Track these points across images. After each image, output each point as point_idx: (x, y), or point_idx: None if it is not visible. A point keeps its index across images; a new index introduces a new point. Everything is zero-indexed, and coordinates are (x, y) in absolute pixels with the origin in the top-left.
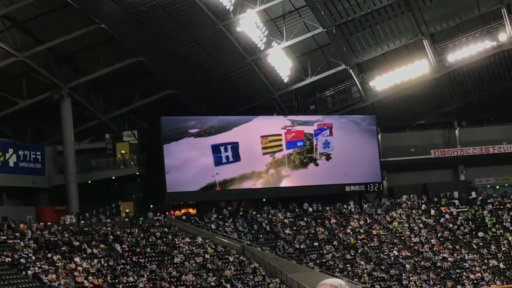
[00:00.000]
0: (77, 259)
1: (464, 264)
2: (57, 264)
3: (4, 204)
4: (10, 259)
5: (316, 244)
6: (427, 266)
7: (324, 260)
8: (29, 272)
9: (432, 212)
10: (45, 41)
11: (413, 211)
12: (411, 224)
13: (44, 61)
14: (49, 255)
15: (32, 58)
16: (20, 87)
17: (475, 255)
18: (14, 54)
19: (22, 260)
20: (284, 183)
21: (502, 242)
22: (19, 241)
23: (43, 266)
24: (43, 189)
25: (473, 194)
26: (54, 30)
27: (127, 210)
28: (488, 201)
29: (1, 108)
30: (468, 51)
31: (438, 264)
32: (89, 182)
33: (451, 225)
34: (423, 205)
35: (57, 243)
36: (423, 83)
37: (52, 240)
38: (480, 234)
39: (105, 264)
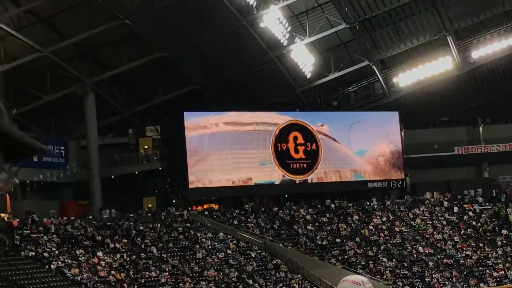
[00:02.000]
0: (99, 253)
1: (487, 261)
2: (80, 259)
3: (27, 199)
4: (33, 253)
5: (338, 240)
6: (450, 263)
7: (346, 257)
8: (52, 266)
9: (455, 209)
10: (69, 36)
11: (436, 208)
12: (434, 221)
13: (68, 56)
14: (72, 249)
15: (56, 53)
16: (44, 82)
17: (498, 252)
18: (38, 49)
19: (46, 254)
20: (307, 179)
21: None
22: (42, 235)
23: (66, 261)
24: (66, 183)
25: (494, 192)
26: (78, 25)
27: (150, 205)
28: None
29: (25, 103)
30: (492, 47)
31: (461, 261)
32: (112, 177)
33: (474, 223)
34: (446, 202)
35: (80, 237)
36: (446, 80)
37: (75, 235)
38: (504, 231)
39: (128, 259)
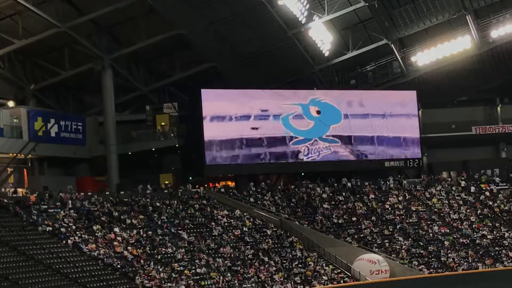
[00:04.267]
0: (116, 229)
1: (504, 241)
2: (96, 234)
3: (45, 174)
4: (50, 228)
5: (354, 219)
6: (466, 243)
7: (362, 235)
8: (69, 241)
9: (472, 189)
10: (87, 12)
11: (453, 187)
12: (451, 201)
13: (86, 32)
14: (89, 225)
15: (74, 29)
16: (62, 58)
17: None
18: (56, 24)
19: (63, 230)
20: (324, 158)
21: None
22: (59, 210)
23: (83, 236)
24: (83, 159)
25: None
26: (96, 1)
27: (166, 182)
28: None
29: (43, 79)
30: (511, 27)
31: (477, 241)
32: (129, 153)
33: (491, 203)
34: (463, 182)
35: (97, 213)
36: (465, 59)
37: (92, 210)
38: None
39: (144, 235)
